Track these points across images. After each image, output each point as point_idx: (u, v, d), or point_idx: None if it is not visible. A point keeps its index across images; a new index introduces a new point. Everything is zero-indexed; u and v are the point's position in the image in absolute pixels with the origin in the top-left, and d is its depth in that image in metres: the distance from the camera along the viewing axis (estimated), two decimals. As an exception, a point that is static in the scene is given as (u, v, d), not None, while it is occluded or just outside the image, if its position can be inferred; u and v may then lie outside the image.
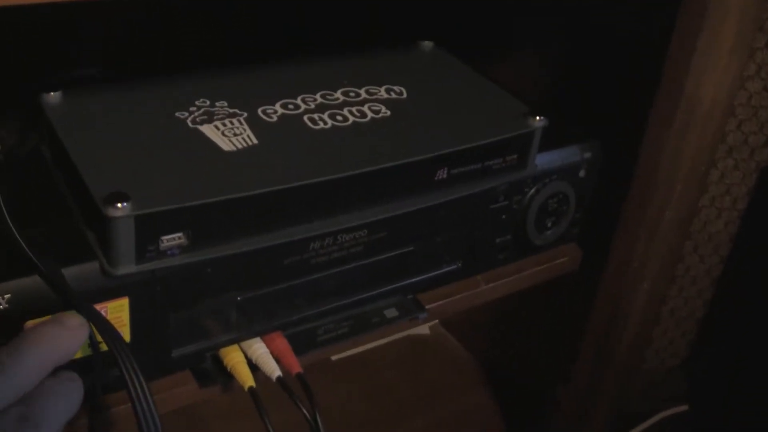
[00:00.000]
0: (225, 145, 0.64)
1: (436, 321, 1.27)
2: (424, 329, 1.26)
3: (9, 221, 0.55)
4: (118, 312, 0.59)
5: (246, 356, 0.67)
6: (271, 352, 0.67)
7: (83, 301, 0.55)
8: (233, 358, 0.66)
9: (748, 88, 1.13)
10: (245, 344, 0.67)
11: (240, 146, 0.65)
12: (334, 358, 1.18)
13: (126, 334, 0.60)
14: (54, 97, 0.68)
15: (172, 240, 0.58)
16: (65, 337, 0.52)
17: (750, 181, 1.22)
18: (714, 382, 1.34)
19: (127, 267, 0.57)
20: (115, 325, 0.57)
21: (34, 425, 0.48)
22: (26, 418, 0.48)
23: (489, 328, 1.17)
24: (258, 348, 0.67)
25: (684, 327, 1.35)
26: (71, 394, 0.52)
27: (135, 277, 0.58)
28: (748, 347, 1.27)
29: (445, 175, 0.69)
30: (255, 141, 0.65)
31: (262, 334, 0.68)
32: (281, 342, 0.68)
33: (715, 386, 1.34)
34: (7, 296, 0.54)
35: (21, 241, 0.55)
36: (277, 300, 0.68)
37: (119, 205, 0.55)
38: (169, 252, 0.58)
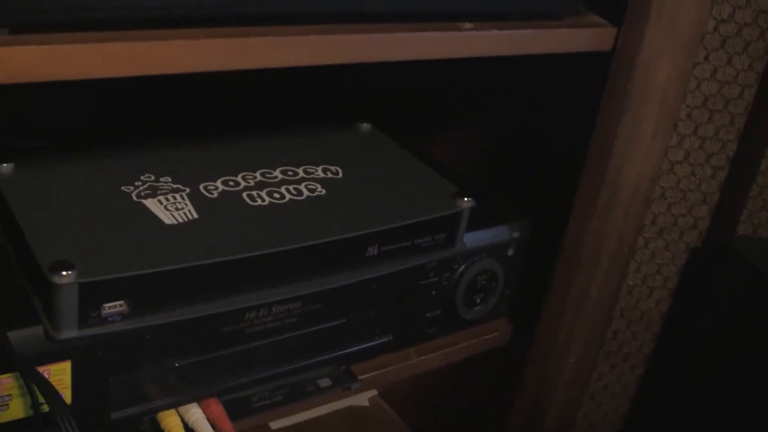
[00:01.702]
0: (167, 218, 0.68)
1: (376, 393, 1.29)
2: (363, 401, 1.28)
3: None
4: (60, 375, 0.61)
5: (183, 420, 0.69)
6: (207, 417, 0.70)
7: (27, 364, 0.58)
8: (170, 422, 0.69)
9: (676, 172, 1.19)
10: (182, 409, 0.70)
11: (181, 220, 0.68)
12: (275, 426, 1.20)
13: (67, 396, 0.63)
14: (6, 168, 0.72)
15: (113, 307, 0.61)
16: None
17: (680, 261, 1.26)
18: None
19: (70, 332, 0.60)
20: (58, 387, 0.60)
21: None
22: None
23: (425, 399, 1.20)
24: (195, 413, 0.70)
25: (617, 402, 1.38)
26: None
27: (77, 342, 0.61)
28: (677, 424, 1.31)
29: (375, 252, 0.73)
30: (195, 215, 0.69)
31: (199, 399, 0.71)
32: (217, 408, 0.71)
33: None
34: (-47, 358, 0.57)
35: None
36: (214, 367, 0.71)
37: (64, 273, 0.58)
38: (110, 318, 0.61)
